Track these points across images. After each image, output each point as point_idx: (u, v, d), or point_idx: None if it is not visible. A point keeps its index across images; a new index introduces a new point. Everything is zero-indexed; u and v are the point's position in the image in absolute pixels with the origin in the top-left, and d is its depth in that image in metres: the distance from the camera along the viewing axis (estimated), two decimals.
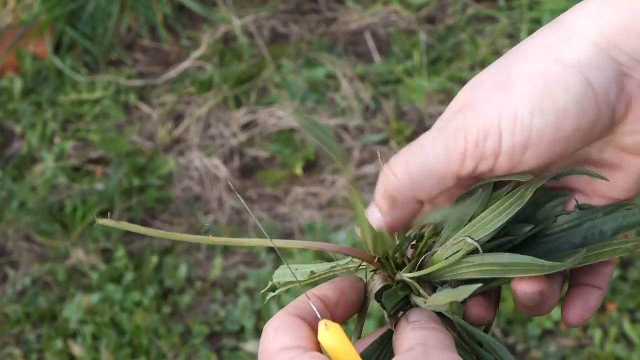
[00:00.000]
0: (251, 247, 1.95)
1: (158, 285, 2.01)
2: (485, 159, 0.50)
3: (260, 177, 2.26)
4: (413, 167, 0.51)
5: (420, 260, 0.56)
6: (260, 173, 2.27)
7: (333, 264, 0.58)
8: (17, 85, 2.51)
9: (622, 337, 1.84)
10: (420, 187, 0.52)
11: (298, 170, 2.24)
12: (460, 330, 0.56)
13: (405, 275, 0.56)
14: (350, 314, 0.55)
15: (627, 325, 1.83)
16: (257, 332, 1.92)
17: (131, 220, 2.18)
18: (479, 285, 0.52)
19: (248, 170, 2.30)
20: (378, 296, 0.56)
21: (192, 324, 1.94)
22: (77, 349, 1.91)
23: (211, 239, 0.55)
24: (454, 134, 0.50)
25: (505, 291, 2.12)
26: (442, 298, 0.53)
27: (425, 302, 0.54)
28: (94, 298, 1.97)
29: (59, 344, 1.91)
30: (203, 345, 1.90)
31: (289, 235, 2.11)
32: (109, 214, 0.55)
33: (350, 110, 2.38)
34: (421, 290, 0.56)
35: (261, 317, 1.93)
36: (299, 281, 0.57)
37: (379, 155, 0.60)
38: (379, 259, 0.56)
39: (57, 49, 2.59)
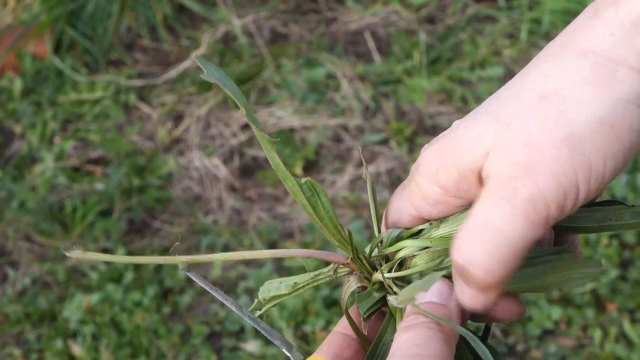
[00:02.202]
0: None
1: (158, 285, 2.01)
2: (564, 214, 0.49)
3: (260, 177, 2.26)
4: (499, 255, 0.48)
5: (398, 261, 0.56)
6: (260, 173, 2.27)
7: (317, 272, 0.58)
8: (17, 85, 2.51)
9: (622, 337, 1.84)
10: (509, 267, 0.49)
11: (298, 170, 2.24)
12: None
13: (382, 275, 0.55)
14: None
15: (627, 325, 1.83)
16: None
17: (131, 220, 2.19)
18: (442, 273, 0.52)
19: (248, 170, 2.30)
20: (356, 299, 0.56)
21: (192, 324, 1.94)
22: (77, 349, 1.91)
23: (175, 259, 0.55)
24: (532, 205, 0.48)
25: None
26: (409, 291, 0.52)
27: (398, 301, 0.53)
28: (94, 298, 1.97)
29: (59, 344, 1.91)
30: (203, 345, 1.90)
31: (288, 235, 2.11)
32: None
33: (350, 110, 2.38)
34: (395, 288, 0.55)
35: (261, 317, 1.93)
36: (283, 295, 0.57)
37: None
38: (352, 259, 0.56)
39: (57, 49, 2.59)
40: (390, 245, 0.56)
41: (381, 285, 0.56)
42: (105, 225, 2.14)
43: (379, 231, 0.59)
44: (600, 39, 0.48)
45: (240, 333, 1.93)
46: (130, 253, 2.10)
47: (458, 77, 2.43)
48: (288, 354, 0.56)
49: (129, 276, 2.02)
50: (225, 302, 0.57)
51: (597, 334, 1.83)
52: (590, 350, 1.81)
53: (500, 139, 0.49)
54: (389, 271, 0.56)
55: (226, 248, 2.09)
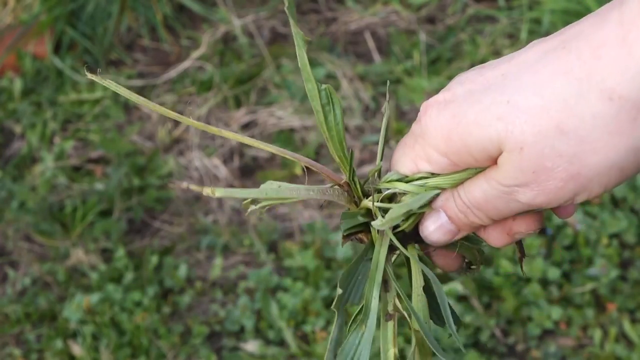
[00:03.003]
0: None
1: (158, 285, 2.01)
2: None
3: (260, 177, 2.26)
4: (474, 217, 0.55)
5: (389, 195, 0.57)
6: (260, 173, 2.27)
7: (312, 186, 0.59)
8: (17, 85, 2.51)
9: (622, 337, 1.84)
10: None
11: (298, 170, 2.24)
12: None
13: (372, 202, 0.56)
14: None
15: (627, 325, 1.83)
16: (257, 332, 1.92)
17: (131, 220, 2.19)
18: (437, 192, 0.53)
19: (248, 170, 2.30)
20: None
21: (192, 324, 1.94)
22: (77, 349, 1.91)
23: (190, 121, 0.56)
24: (523, 209, 0.53)
25: (504, 291, 2.12)
26: (398, 209, 0.53)
27: (382, 222, 0.54)
28: (94, 298, 1.97)
29: (59, 344, 1.91)
30: (203, 345, 1.90)
31: (288, 235, 2.11)
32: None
33: (350, 110, 2.38)
34: (379, 214, 0.56)
35: (261, 317, 1.93)
36: (286, 199, 0.58)
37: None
38: (347, 181, 0.57)
39: (57, 49, 2.59)
40: (386, 182, 0.57)
41: (367, 212, 0.57)
42: (105, 225, 2.14)
43: (382, 159, 0.59)
44: (628, 78, 0.46)
45: (240, 333, 1.93)
46: (130, 253, 2.10)
47: None
48: None
49: (129, 276, 2.02)
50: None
51: (597, 334, 1.83)
52: (590, 350, 1.81)
53: (515, 150, 0.50)
54: (378, 201, 0.57)
55: (226, 248, 2.09)
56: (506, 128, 0.49)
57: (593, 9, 2.41)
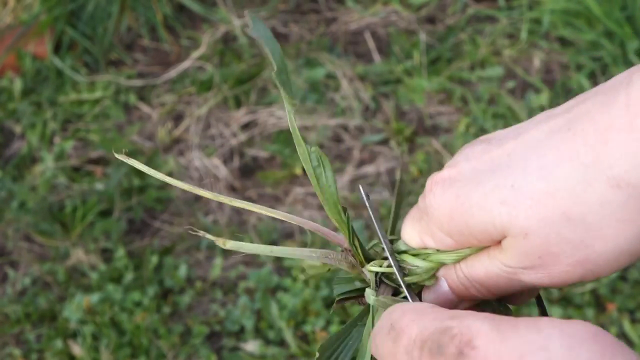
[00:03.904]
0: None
1: (158, 285, 2.01)
2: None
3: (260, 177, 2.26)
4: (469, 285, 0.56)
5: (395, 263, 0.56)
6: (260, 173, 2.27)
7: (327, 252, 0.59)
8: (17, 85, 2.51)
9: (622, 337, 1.84)
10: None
11: (298, 170, 2.24)
12: None
13: (369, 268, 0.56)
14: None
15: (627, 325, 1.83)
16: (257, 332, 1.92)
17: (131, 220, 2.19)
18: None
19: (248, 170, 2.30)
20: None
21: (192, 324, 1.94)
22: (77, 349, 1.91)
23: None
24: (525, 286, 0.54)
25: None
26: (389, 302, 0.53)
27: (373, 298, 0.54)
28: (94, 298, 1.97)
29: (59, 344, 1.91)
30: (203, 345, 1.90)
31: (288, 235, 2.11)
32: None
33: (350, 110, 2.38)
34: (373, 285, 0.55)
35: (261, 317, 1.93)
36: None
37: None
38: (348, 244, 0.56)
39: (57, 49, 2.59)
40: (392, 252, 0.56)
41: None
42: (105, 225, 2.14)
43: (393, 232, 0.59)
44: (636, 166, 0.45)
45: (240, 333, 1.93)
46: (130, 253, 2.10)
47: (458, 77, 2.43)
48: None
49: (129, 276, 2.02)
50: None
51: None
52: None
53: (520, 236, 0.49)
54: (380, 266, 0.56)
55: None
56: (510, 213, 0.48)
57: (593, 9, 2.41)
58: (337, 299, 0.57)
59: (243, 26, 2.62)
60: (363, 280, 0.57)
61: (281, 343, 1.89)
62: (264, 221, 2.14)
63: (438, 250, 0.54)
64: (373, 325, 0.55)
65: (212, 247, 2.09)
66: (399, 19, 2.63)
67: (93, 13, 2.62)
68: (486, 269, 0.52)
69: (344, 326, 0.57)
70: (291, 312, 1.91)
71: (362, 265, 0.56)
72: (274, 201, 2.20)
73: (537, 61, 2.45)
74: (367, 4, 2.69)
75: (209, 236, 0.55)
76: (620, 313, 1.86)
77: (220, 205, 2.20)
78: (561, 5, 2.49)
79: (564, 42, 2.49)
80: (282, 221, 2.15)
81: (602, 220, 0.46)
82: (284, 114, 2.36)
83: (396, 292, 0.56)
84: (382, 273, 0.55)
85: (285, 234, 2.11)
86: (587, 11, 2.44)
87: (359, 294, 0.57)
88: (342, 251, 0.57)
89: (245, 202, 0.58)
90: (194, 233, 0.56)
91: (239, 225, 2.15)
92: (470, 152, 0.52)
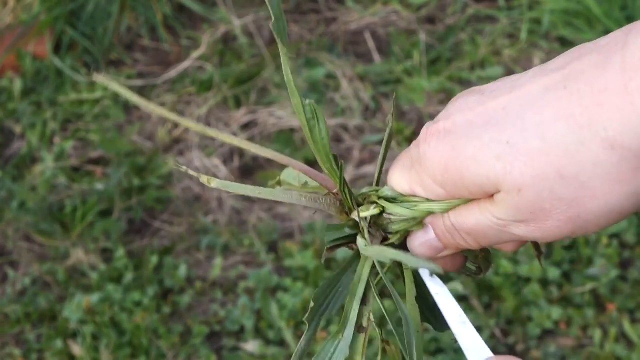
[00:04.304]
0: None
1: (158, 285, 2.01)
2: None
3: (260, 177, 2.26)
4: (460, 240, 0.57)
5: (380, 211, 0.56)
6: (260, 173, 2.27)
7: (316, 193, 0.59)
8: (17, 85, 2.51)
9: (622, 337, 1.84)
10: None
11: None
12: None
13: (360, 212, 0.56)
14: None
15: (627, 325, 1.83)
16: (257, 332, 1.92)
17: (131, 220, 2.19)
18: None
19: (248, 170, 2.30)
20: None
21: (192, 324, 1.94)
22: (77, 349, 1.91)
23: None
24: (515, 238, 0.54)
25: (504, 291, 2.11)
26: (381, 252, 0.54)
27: (365, 247, 0.55)
28: (94, 298, 1.97)
29: (59, 344, 1.91)
30: (203, 345, 1.90)
31: (288, 235, 2.11)
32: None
33: (350, 110, 2.38)
34: (366, 234, 0.56)
35: (261, 317, 1.93)
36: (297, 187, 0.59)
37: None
38: (338, 190, 0.57)
39: (57, 49, 2.60)
40: (381, 199, 0.57)
41: (355, 224, 0.57)
42: (105, 225, 2.14)
43: (378, 184, 0.59)
44: (630, 129, 0.46)
45: (240, 333, 1.93)
46: (130, 253, 2.10)
47: (458, 77, 2.43)
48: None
49: (129, 276, 2.02)
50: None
51: (597, 334, 1.83)
52: (590, 350, 1.81)
53: (513, 191, 0.50)
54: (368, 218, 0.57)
55: (226, 248, 2.09)
56: (505, 168, 0.49)
57: (593, 9, 2.41)
58: (328, 246, 0.57)
59: (243, 26, 2.62)
60: (352, 227, 0.57)
61: (281, 343, 1.89)
62: (264, 221, 2.14)
63: (427, 200, 0.54)
64: (362, 271, 0.57)
65: (212, 247, 2.09)
66: (399, 19, 2.63)
67: (93, 13, 2.62)
68: (476, 220, 0.53)
69: (335, 273, 0.58)
70: (291, 312, 1.91)
71: (351, 211, 0.57)
72: (274, 201, 2.20)
73: (537, 61, 2.45)
74: (367, 4, 2.69)
75: (192, 172, 0.55)
76: (620, 313, 1.86)
77: (220, 205, 2.20)
78: (561, 5, 2.49)
79: (564, 42, 2.49)
80: (282, 221, 2.15)
81: (595, 179, 0.47)
82: (284, 114, 2.36)
83: (385, 239, 0.57)
84: (372, 219, 0.56)
85: (285, 234, 2.11)
86: (587, 11, 2.45)
87: (349, 241, 0.58)
88: (331, 194, 0.58)
89: (238, 138, 0.59)
90: (177, 167, 0.57)
91: (239, 225, 2.15)
92: (465, 103, 0.52)
